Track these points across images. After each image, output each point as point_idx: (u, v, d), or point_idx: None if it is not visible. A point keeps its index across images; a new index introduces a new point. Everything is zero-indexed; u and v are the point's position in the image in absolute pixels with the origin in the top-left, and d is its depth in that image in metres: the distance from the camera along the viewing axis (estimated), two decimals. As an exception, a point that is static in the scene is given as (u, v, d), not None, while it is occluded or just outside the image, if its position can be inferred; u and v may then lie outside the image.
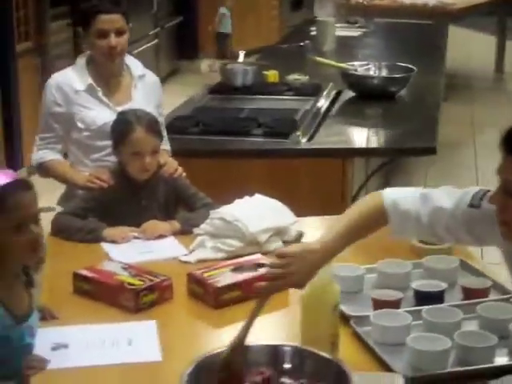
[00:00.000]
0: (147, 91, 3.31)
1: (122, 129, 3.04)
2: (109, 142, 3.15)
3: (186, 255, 2.83)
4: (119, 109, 3.17)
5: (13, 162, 6.26)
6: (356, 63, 5.09)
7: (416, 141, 4.11)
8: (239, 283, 2.51)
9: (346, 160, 3.98)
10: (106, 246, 2.93)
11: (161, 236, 2.98)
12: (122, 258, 2.77)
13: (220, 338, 2.39)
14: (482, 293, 2.48)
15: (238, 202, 2.99)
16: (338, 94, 4.98)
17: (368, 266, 2.63)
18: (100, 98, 3.21)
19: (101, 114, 3.19)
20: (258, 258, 2.69)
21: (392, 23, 7.98)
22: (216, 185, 3.64)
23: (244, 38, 10.76)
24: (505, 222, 1.91)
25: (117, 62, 3.21)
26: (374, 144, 4.08)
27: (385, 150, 4.07)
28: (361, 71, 5.03)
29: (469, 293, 2.49)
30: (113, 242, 2.94)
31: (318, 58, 5.21)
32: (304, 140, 4.05)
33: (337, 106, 4.76)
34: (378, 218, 2.18)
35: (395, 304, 2.41)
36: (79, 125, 3.20)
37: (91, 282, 2.55)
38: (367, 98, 4.76)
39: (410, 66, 5.00)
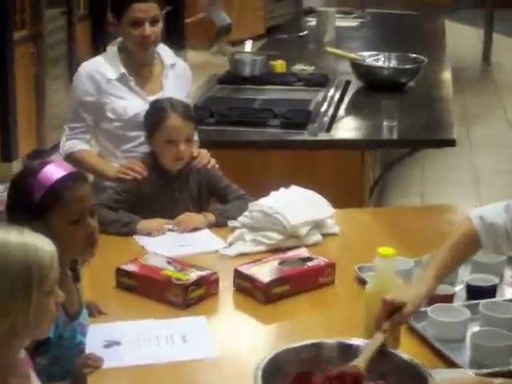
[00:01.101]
0: (178, 80, 3.24)
1: (156, 116, 2.98)
2: (140, 133, 3.08)
3: (225, 248, 2.78)
4: (151, 98, 3.11)
5: (8, 152, 6.16)
6: (365, 53, 5.05)
7: (435, 132, 4.09)
8: (288, 277, 2.47)
9: (364, 152, 3.95)
10: (141, 238, 2.87)
11: (195, 228, 2.93)
12: (159, 250, 2.71)
13: (271, 334, 2.37)
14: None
15: (274, 193, 2.95)
16: (347, 84, 4.94)
17: (417, 259, 2.60)
18: (132, 88, 3.15)
19: (133, 104, 3.12)
20: (302, 251, 2.65)
21: (386, 14, 7.95)
22: (234, 176, 3.56)
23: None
24: None
25: (150, 52, 3.15)
26: (392, 135, 4.05)
27: (406, 141, 4.04)
28: (370, 62, 4.99)
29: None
30: (147, 234, 2.88)
31: (329, 49, 5.17)
32: (321, 131, 4.01)
33: (348, 96, 4.72)
34: (471, 239, 2.17)
35: (449, 298, 2.38)
36: (109, 115, 3.13)
37: (136, 278, 2.49)
38: (377, 89, 4.73)
39: (420, 56, 4.97)
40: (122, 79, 3.14)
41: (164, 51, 3.24)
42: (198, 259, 2.68)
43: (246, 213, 2.86)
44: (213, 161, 3.12)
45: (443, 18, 7.73)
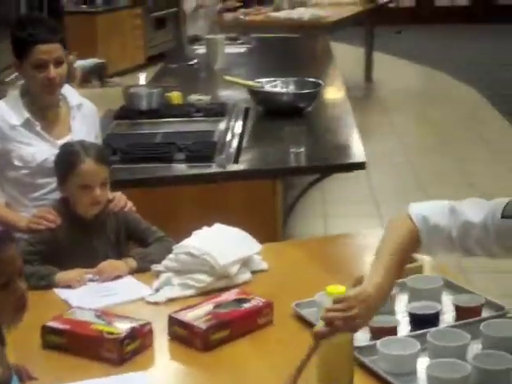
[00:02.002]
0: (86, 121, 3.10)
1: (68, 161, 2.83)
2: (50, 179, 2.93)
3: (151, 295, 2.65)
4: (59, 142, 2.96)
5: None
6: (263, 80, 4.99)
7: (344, 156, 4.06)
8: (227, 322, 2.36)
9: (276, 180, 3.88)
10: (61, 291, 2.71)
11: (117, 276, 2.78)
12: (82, 303, 2.56)
13: (214, 382, 2.25)
14: (476, 311, 2.41)
15: (197, 233, 2.83)
16: (246, 112, 4.87)
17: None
18: (39, 133, 2.99)
19: (41, 150, 2.96)
20: (235, 292, 2.54)
21: (271, 38, 7.96)
22: (145, 215, 3.45)
23: (110, 60, 10.53)
24: None
25: (56, 94, 2.99)
26: (301, 162, 3.99)
27: (316, 167, 3.98)
28: (268, 88, 4.93)
29: (462, 312, 2.42)
30: (67, 286, 2.72)
31: (228, 77, 5.09)
32: (229, 163, 3.92)
33: (250, 124, 4.64)
34: (413, 239, 2.11)
35: (394, 330, 2.31)
36: (16, 162, 2.96)
37: (64, 335, 2.33)
38: (277, 115, 4.67)
39: (317, 80, 4.96)
40: (26, 125, 2.97)
41: (69, 92, 3.10)
42: (125, 309, 2.54)
43: (171, 256, 2.73)
44: (129, 203, 2.99)
45: (328, 39, 7.78)
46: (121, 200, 2.96)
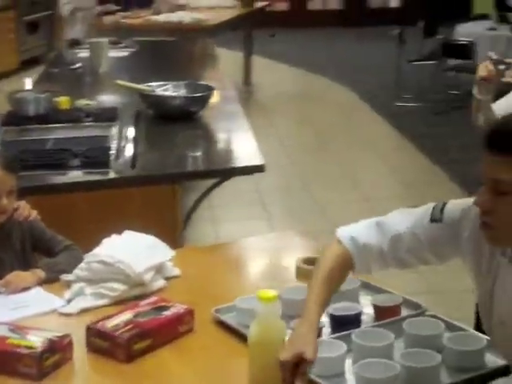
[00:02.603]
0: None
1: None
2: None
3: (64, 306, 2.56)
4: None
5: None
6: (154, 84, 4.93)
7: (243, 159, 4.04)
8: (148, 331, 2.30)
9: (175, 185, 3.83)
10: (-34, 306, 2.59)
11: (24, 288, 2.68)
12: (-10, 318, 2.45)
13: (139, 394, 2.20)
14: (395, 310, 2.44)
15: (107, 241, 2.76)
16: (138, 116, 4.80)
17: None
18: None
19: None
20: (153, 300, 2.49)
21: (153, 42, 7.87)
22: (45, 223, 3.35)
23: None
24: (491, 226, 1.85)
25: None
26: (200, 166, 3.96)
27: (216, 171, 3.96)
28: (160, 92, 4.87)
29: (381, 311, 2.43)
30: (-28, 300, 2.61)
31: (119, 81, 4.99)
32: (127, 168, 3.85)
33: (143, 129, 4.57)
34: (344, 261, 2.12)
35: (319, 332, 2.30)
36: None
37: (-22, 351, 2.23)
38: (169, 119, 4.62)
39: (208, 84, 4.94)
40: None
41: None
42: (37, 321, 2.45)
43: (83, 265, 2.65)
44: (34, 212, 2.89)
45: (211, 42, 7.76)
46: (25, 209, 2.86)
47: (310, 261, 2.78)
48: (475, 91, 3.14)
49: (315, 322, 2.01)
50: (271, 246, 3.18)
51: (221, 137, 4.49)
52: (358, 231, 2.14)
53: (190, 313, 2.41)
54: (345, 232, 2.16)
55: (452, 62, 9.10)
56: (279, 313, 2.05)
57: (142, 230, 2.91)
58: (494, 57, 3.10)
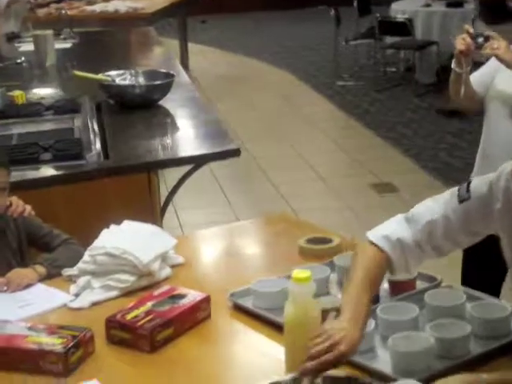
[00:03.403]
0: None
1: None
2: None
3: (73, 300, 2.51)
4: None
5: None
6: (113, 73, 4.84)
7: (216, 145, 4.00)
8: (171, 320, 2.27)
9: (151, 173, 3.78)
10: (-30, 307, 2.51)
11: (27, 285, 2.61)
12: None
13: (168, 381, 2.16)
14: (410, 284, 2.44)
15: (106, 232, 2.70)
16: (99, 107, 4.72)
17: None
18: None
19: None
20: (166, 289, 2.44)
21: (92, 32, 7.77)
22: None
23: None
24: None
25: None
26: (176, 153, 3.92)
27: (191, 157, 3.91)
28: (120, 81, 4.80)
29: (397, 286, 2.43)
30: (-26, 301, 2.53)
31: (77, 72, 4.88)
32: (100, 159, 3.78)
33: (106, 119, 4.49)
34: (380, 262, 2.07)
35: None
36: None
37: (-2, 352, 2.16)
38: (131, 108, 4.55)
39: (168, 71, 4.88)
40: None
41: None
42: (49, 318, 2.40)
43: (86, 258, 2.60)
44: (28, 207, 2.82)
45: (151, 30, 7.67)
46: (18, 205, 2.79)
47: (314, 240, 2.79)
48: (453, 65, 3.16)
49: (359, 319, 1.95)
50: (264, 231, 3.15)
51: (187, 123, 4.44)
52: (390, 229, 2.11)
53: (206, 300, 2.38)
54: (376, 233, 2.12)
55: (390, 39, 9.16)
56: (314, 293, 2.02)
57: (121, 221, 2.87)
58: (471, 30, 3.12)
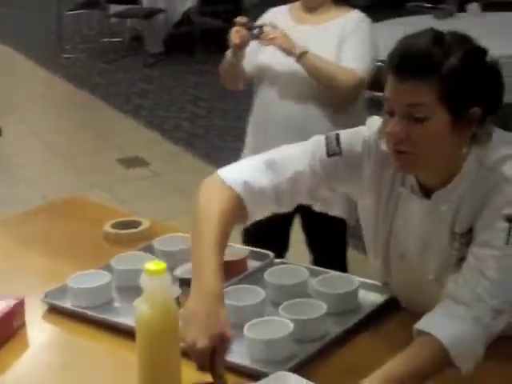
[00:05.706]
0: None
1: None
2: None
3: None
4: None
5: None
6: None
7: None
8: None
9: None
10: None
11: None
12: None
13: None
14: (242, 263, 2.25)
15: None
16: None
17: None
18: None
19: None
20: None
21: None
22: None
23: None
24: (409, 153, 1.71)
25: None
26: None
27: None
28: None
29: (229, 265, 2.20)
30: None
31: None
32: None
33: None
34: (235, 209, 1.86)
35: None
36: None
37: None
38: None
39: None
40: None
41: None
42: None
43: None
44: None
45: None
46: None
47: (119, 225, 2.54)
48: (229, 57, 3.04)
49: (220, 293, 1.76)
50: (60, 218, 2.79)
51: None
52: (250, 175, 1.89)
53: (21, 304, 2.04)
54: (233, 175, 1.90)
55: (114, 8, 8.86)
56: (168, 286, 1.75)
57: None
58: (244, 20, 3.00)
